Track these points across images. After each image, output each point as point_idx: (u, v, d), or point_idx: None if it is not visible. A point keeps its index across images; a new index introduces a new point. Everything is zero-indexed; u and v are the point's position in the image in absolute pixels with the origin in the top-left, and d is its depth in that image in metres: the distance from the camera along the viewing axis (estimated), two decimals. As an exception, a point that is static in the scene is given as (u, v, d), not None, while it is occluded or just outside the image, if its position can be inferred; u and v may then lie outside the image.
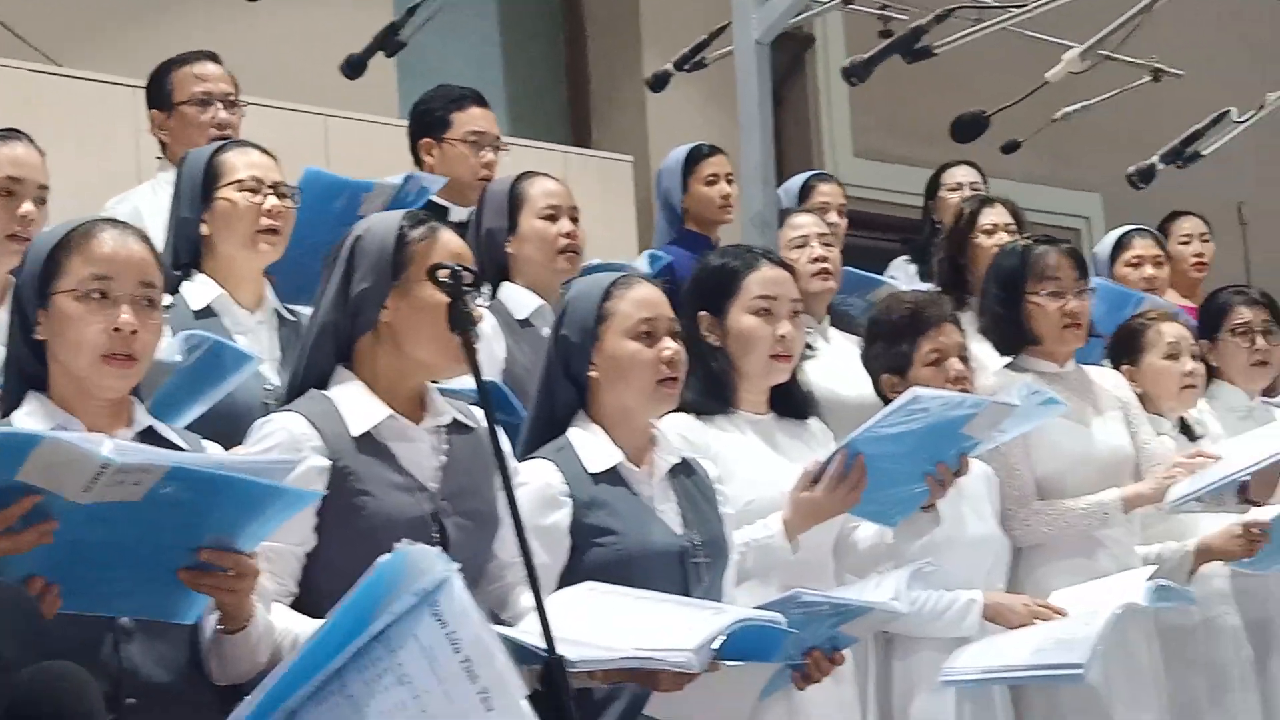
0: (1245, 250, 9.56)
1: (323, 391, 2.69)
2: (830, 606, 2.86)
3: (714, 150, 5.34)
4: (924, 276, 5.40)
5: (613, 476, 2.93)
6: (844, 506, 3.17)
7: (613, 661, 2.49)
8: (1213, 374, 4.61)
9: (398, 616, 2.11)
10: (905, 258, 5.68)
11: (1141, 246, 5.59)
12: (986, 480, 3.87)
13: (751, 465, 3.30)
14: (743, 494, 3.19)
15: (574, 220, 3.97)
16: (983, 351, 4.26)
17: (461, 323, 2.45)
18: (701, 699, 2.62)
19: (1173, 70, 5.51)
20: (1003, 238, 4.72)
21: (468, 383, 2.55)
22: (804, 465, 3.19)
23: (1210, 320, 4.66)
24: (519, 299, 3.90)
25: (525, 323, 3.86)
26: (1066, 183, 8.74)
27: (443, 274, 2.48)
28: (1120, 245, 5.62)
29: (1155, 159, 4.65)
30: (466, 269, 2.51)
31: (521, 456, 2.97)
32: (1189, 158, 4.56)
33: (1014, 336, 4.10)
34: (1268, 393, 4.84)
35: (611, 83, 7.32)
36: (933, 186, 5.79)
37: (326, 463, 2.59)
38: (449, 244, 2.70)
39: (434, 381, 2.77)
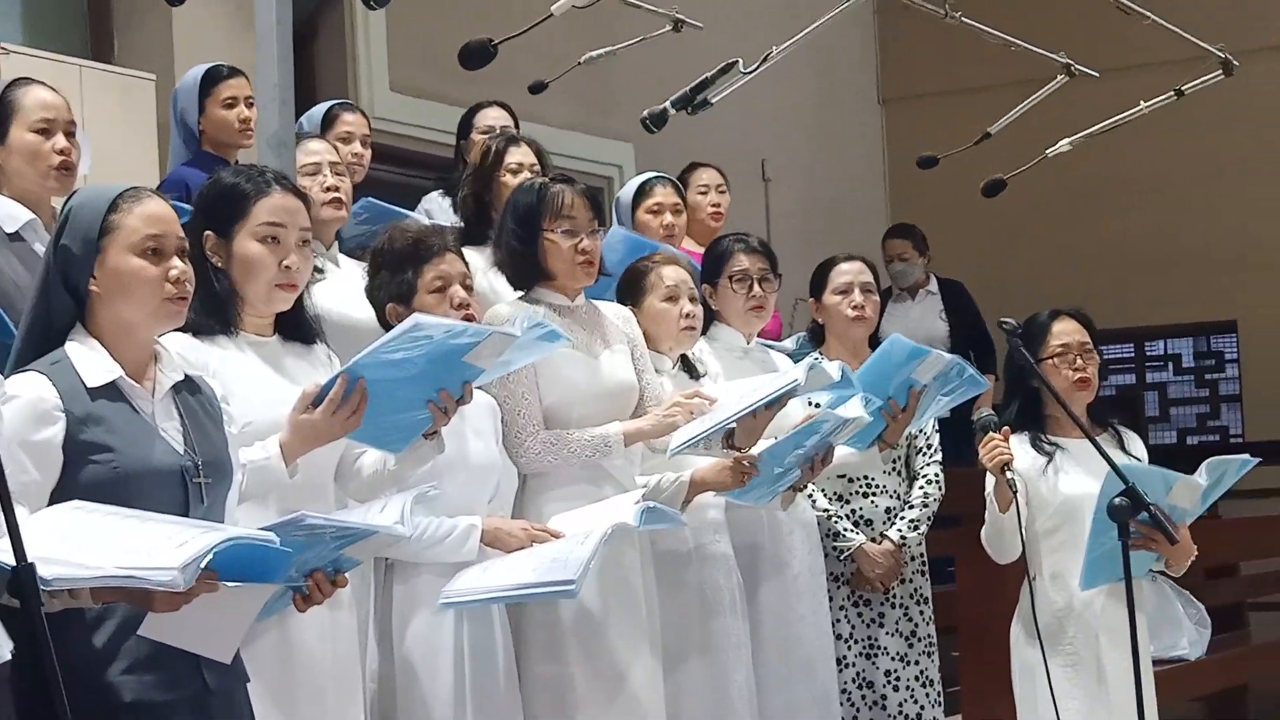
0: (766, 204, 9.99)
1: None
2: (334, 529, 2.88)
3: (234, 72, 5.24)
4: (457, 211, 5.47)
5: (112, 392, 2.85)
6: (343, 430, 3.19)
7: (94, 580, 2.46)
8: (716, 317, 4.84)
9: None
10: (440, 191, 5.73)
11: (662, 194, 5.78)
12: (490, 409, 3.97)
13: (253, 386, 3.28)
14: (243, 415, 3.17)
15: (69, 135, 3.84)
16: (501, 282, 4.36)
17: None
18: (198, 618, 2.61)
19: (693, 21, 5.70)
20: (526, 177, 4.81)
21: None
22: (304, 387, 3.19)
23: (712, 266, 4.86)
24: (8, 211, 3.75)
25: (15, 236, 3.73)
26: (600, 131, 8.94)
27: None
28: (641, 192, 5.80)
29: (667, 104, 4.82)
30: None
31: (14, 369, 2.87)
32: (699, 105, 4.75)
33: (528, 271, 4.21)
34: (765, 335, 5.11)
35: (135, -4, 7.09)
36: (465, 126, 5.85)
37: None
38: None
39: None
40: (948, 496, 5.15)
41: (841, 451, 4.63)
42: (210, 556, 2.47)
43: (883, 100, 11.47)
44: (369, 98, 7.82)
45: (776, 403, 4.19)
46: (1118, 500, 3.95)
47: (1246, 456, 4.36)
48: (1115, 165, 10.19)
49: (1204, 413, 11.14)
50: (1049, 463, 4.49)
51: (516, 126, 5.74)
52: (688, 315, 4.52)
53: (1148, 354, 11.23)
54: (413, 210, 5.43)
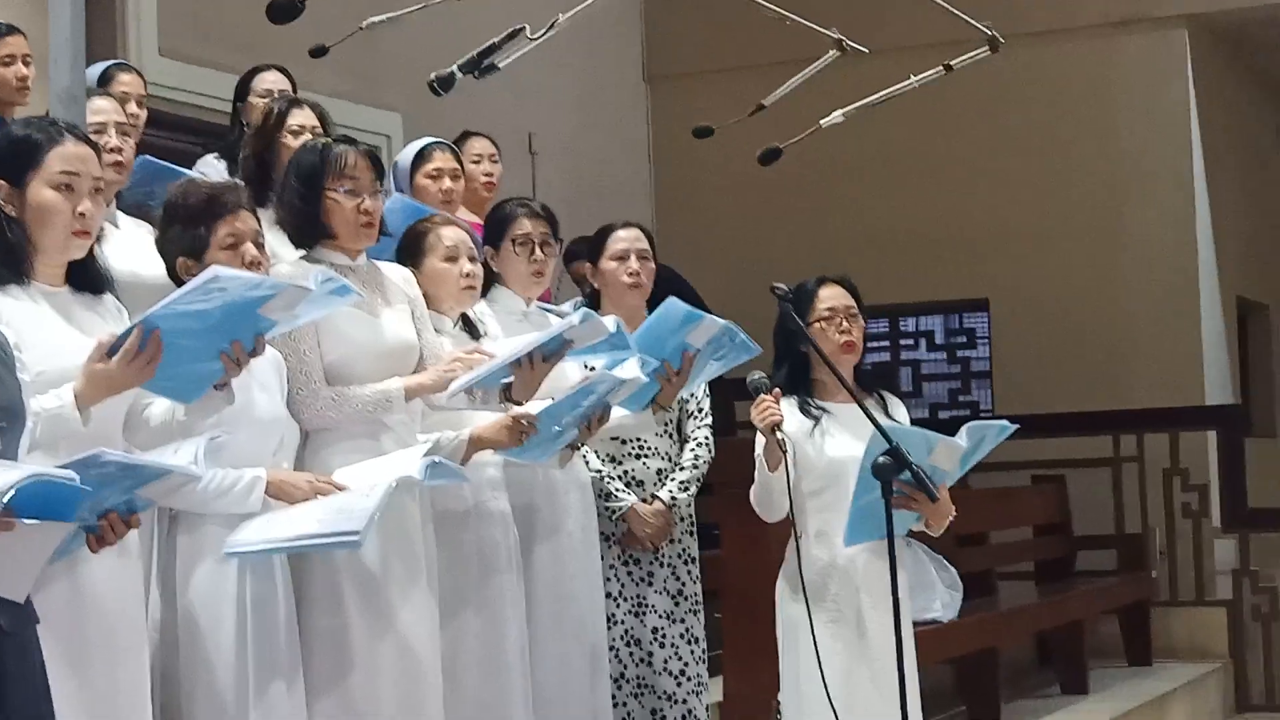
0: (533, 178, 10.06)
1: None
2: (129, 469, 2.92)
3: (11, 29, 5.19)
4: (234, 174, 5.46)
5: None
6: (138, 380, 3.22)
7: None
8: (496, 280, 4.92)
9: None
10: (215, 155, 5.71)
11: (441, 159, 5.85)
12: (276, 363, 4.01)
13: (44, 335, 3.29)
14: (35, 364, 3.18)
15: None
16: (280, 243, 4.39)
17: None
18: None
19: (476, -6, 5.76)
20: (308, 139, 4.84)
21: None
22: (99, 337, 3.22)
23: (495, 229, 4.94)
24: None
25: None
26: (371, 100, 8.92)
27: None
28: (421, 157, 5.87)
29: (454, 68, 4.89)
30: None
31: None
32: (485, 69, 4.84)
33: (310, 230, 4.25)
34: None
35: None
36: (243, 89, 5.84)
37: None
38: None
39: None
40: (713, 463, 5.30)
41: (616, 413, 4.75)
42: (12, 493, 2.50)
43: (648, 77, 11.62)
44: (138, 62, 7.68)
45: (555, 354, 4.29)
46: (881, 459, 4.12)
47: (1005, 422, 4.55)
48: (880, 143, 10.48)
49: (955, 388, 11.49)
50: (815, 426, 4.63)
51: (294, 90, 5.75)
52: (467, 275, 4.60)
53: (902, 330, 11.56)
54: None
